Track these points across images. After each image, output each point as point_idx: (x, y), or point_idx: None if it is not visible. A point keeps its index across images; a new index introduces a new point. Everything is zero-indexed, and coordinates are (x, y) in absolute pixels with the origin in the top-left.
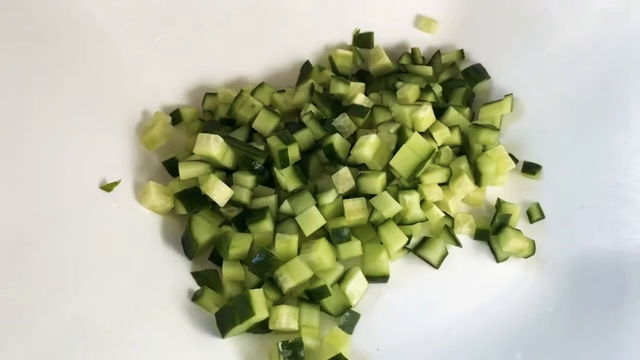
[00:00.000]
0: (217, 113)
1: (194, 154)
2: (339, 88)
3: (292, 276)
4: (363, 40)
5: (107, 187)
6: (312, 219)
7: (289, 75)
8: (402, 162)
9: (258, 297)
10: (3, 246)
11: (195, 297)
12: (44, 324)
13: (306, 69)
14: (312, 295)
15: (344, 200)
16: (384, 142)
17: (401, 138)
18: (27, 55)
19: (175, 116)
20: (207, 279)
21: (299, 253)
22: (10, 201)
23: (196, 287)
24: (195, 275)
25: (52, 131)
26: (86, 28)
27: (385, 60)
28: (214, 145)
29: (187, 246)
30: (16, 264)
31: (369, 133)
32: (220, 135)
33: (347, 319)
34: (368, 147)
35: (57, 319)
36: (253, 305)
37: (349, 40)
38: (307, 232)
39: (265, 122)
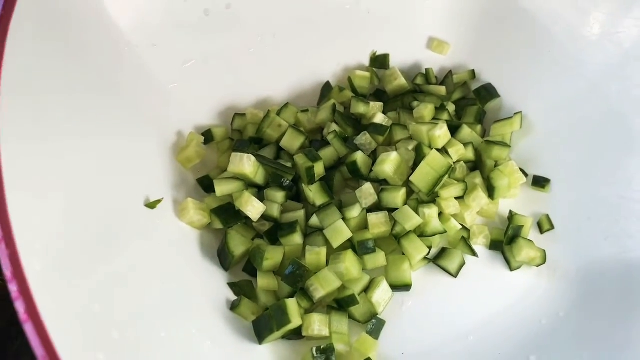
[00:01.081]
0: (245, 132)
1: (225, 171)
2: (359, 108)
3: (323, 286)
4: (379, 62)
5: (151, 205)
6: (340, 232)
7: (311, 95)
8: (421, 177)
9: (293, 306)
10: (59, 265)
11: (233, 307)
12: (111, 330)
13: (327, 89)
14: (341, 304)
15: (367, 214)
16: (403, 158)
17: (419, 155)
18: (70, 81)
19: (207, 136)
20: (243, 290)
21: (327, 264)
22: (63, 220)
23: (233, 297)
24: (232, 285)
25: (98, 154)
26: (125, 54)
27: (401, 81)
28: (247, 164)
29: (224, 259)
30: (73, 279)
31: (389, 150)
32: (252, 154)
33: (374, 325)
34: (389, 163)
35: (118, 324)
36: (289, 314)
37: (366, 62)
38: (335, 244)
39: (292, 141)
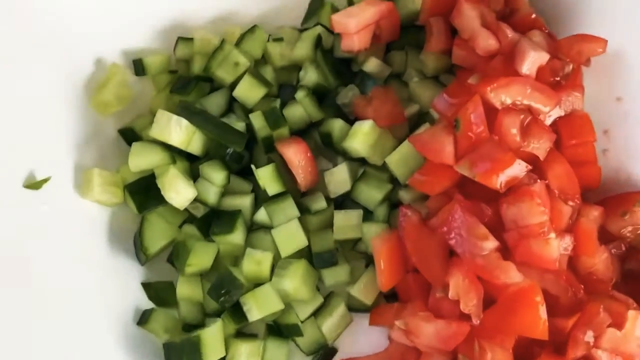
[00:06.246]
0: (192, 65)
1: None
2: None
3: (259, 307)
4: None
5: (34, 186)
6: (292, 237)
7: (295, 9)
8: (400, 162)
9: (210, 340)
10: None
11: (142, 321)
12: None
13: (316, 3)
14: (281, 329)
15: (335, 211)
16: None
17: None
18: None
19: (138, 67)
20: (158, 294)
21: (272, 274)
22: None
23: (146, 302)
24: (146, 287)
25: None
26: None
27: (419, 5)
28: (175, 132)
29: (138, 251)
30: None
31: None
32: (189, 109)
33: (321, 357)
34: (361, 137)
35: None
36: (203, 352)
37: None
38: (284, 252)
39: (250, 92)
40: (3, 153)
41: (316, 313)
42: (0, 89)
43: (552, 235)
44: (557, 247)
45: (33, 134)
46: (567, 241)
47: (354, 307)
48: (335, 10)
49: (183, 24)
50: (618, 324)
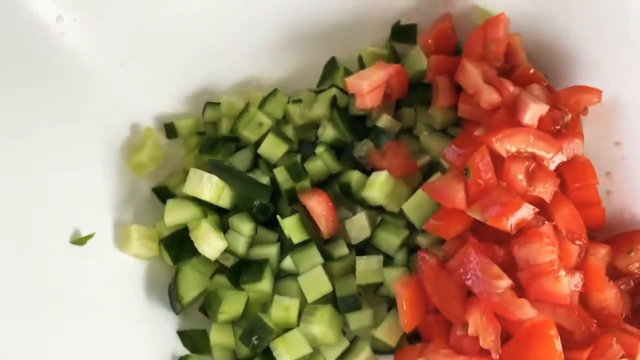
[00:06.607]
0: (220, 126)
1: None
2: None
3: (289, 351)
4: (403, 35)
5: (80, 242)
6: (317, 283)
7: (311, 73)
8: (416, 208)
9: None
10: None
11: None
12: None
13: (330, 67)
14: None
15: (356, 257)
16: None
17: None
18: None
19: (170, 130)
20: (193, 341)
21: (300, 318)
22: None
23: (181, 349)
24: (182, 335)
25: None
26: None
27: (425, 66)
28: (206, 188)
29: (173, 301)
30: None
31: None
32: (218, 166)
33: None
34: (378, 187)
35: None
36: None
37: (386, 34)
38: (310, 298)
39: (273, 149)
40: (52, 213)
41: (343, 356)
42: (47, 157)
43: (562, 272)
44: (567, 284)
45: (78, 195)
46: (577, 278)
47: (379, 349)
48: (348, 72)
49: (210, 90)
50: (631, 355)
